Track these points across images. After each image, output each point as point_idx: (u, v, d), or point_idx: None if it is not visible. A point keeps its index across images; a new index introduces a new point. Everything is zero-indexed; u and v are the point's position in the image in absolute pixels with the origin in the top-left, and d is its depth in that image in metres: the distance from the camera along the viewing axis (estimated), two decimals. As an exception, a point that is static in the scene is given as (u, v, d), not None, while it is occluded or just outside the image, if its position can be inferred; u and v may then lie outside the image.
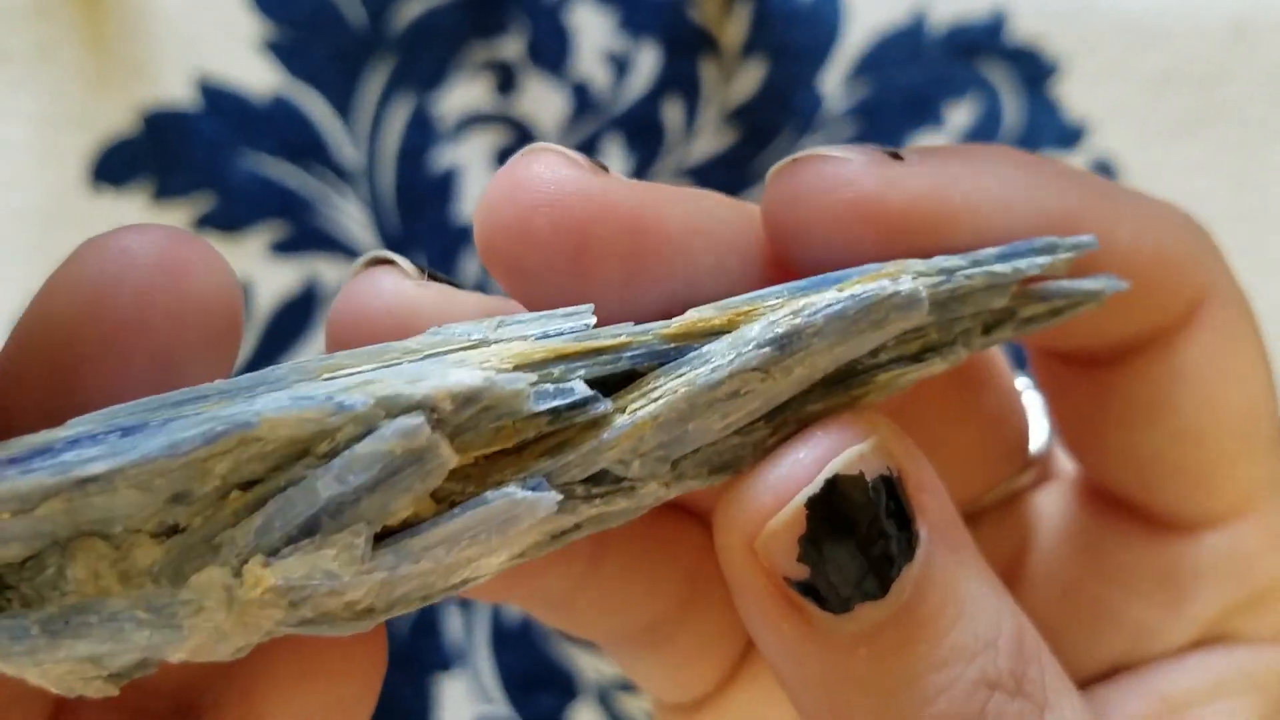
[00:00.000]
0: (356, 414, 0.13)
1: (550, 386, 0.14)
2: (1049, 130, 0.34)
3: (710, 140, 0.34)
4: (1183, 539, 0.18)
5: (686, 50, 0.33)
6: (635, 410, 0.15)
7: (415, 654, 0.33)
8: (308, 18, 0.33)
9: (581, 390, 0.14)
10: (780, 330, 0.15)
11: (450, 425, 0.13)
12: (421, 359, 0.14)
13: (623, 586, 0.19)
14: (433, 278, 0.16)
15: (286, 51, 0.33)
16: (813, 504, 0.14)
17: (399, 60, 0.33)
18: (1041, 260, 0.16)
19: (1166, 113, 0.33)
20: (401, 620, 0.32)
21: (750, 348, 0.15)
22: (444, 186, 0.33)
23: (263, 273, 0.33)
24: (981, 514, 0.20)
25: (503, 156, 0.33)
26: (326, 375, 0.14)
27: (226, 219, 0.32)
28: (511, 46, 0.33)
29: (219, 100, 0.32)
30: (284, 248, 0.33)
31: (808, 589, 0.15)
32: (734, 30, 0.33)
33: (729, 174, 0.34)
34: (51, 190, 0.32)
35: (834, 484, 0.15)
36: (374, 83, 0.33)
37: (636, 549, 0.18)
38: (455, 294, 0.16)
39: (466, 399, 0.13)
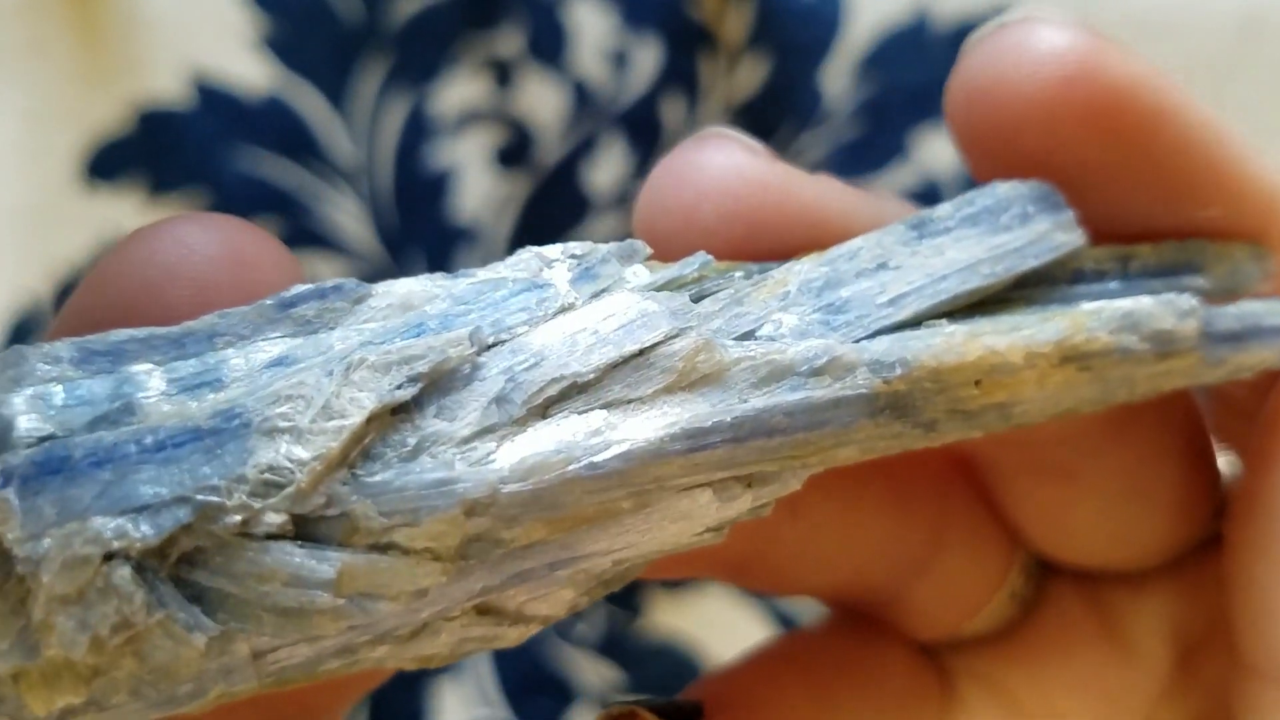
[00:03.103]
0: None
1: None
2: (1053, 128, 0.33)
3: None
4: None
5: (686, 47, 0.33)
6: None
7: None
8: (303, 12, 0.32)
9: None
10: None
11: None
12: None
13: (846, 531, 0.16)
14: None
15: (281, 47, 0.32)
16: None
17: (396, 56, 0.33)
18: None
19: (1172, 110, 0.33)
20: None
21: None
22: (442, 184, 0.33)
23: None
24: (1183, 563, 0.17)
25: (502, 155, 0.33)
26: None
27: (221, 217, 0.32)
28: (510, 43, 0.33)
29: (213, 96, 0.32)
30: (280, 246, 0.32)
31: None
32: (734, 27, 0.33)
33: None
34: (43, 188, 0.31)
35: None
36: (371, 79, 0.33)
37: (849, 488, 0.16)
38: (800, 178, 0.14)
39: None
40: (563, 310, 0.12)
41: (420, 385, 0.11)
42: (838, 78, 0.33)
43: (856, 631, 0.18)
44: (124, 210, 0.31)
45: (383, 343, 0.12)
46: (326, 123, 0.32)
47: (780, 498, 0.13)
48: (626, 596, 0.33)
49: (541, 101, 0.33)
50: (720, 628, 0.33)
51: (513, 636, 0.12)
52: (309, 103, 0.32)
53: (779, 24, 0.33)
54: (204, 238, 0.12)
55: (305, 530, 0.11)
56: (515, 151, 0.33)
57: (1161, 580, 0.17)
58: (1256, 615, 0.15)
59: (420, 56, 0.33)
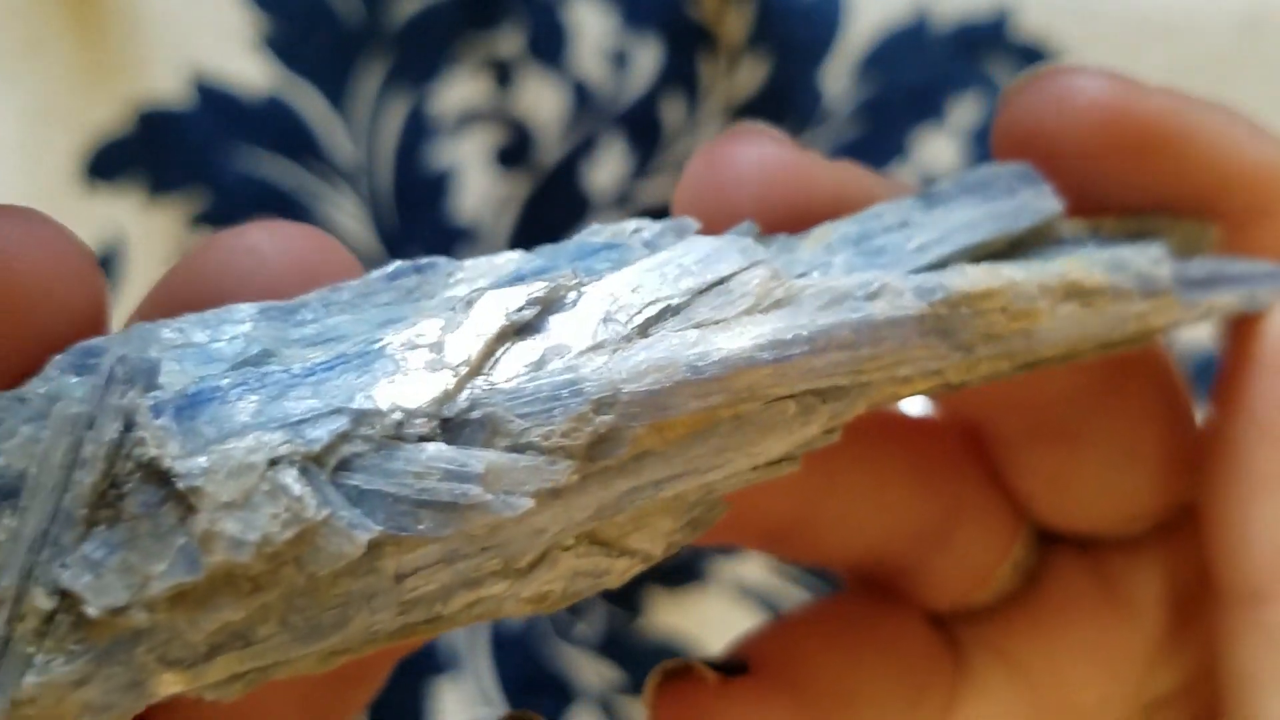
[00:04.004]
0: None
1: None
2: (1053, 128, 0.33)
3: (711, 137, 0.33)
4: None
5: (686, 47, 0.33)
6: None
7: (410, 655, 0.33)
8: (303, 12, 0.32)
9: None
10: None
11: None
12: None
13: (875, 499, 0.18)
14: None
15: (281, 47, 0.32)
16: None
17: (396, 56, 0.33)
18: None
19: (1172, 110, 0.33)
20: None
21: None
22: (442, 184, 0.33)
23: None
24: (1171, 526, 0.18)
25: (502, 155, 0.33)
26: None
27: (222, 216, 0.32)
28: (510, 43, 0.33)
29: (213, 96, 0.32)
30: (279, 246, 0.32)
31: None
32: (734, 27, 0.33)
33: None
34: (43, 188, 0.31)
35: None
36: (371, 79, 0.33)
37: (880, 456, 0.18)
38: (825, 165, 0.15)
39: None
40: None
41: (539, 308, 0.13)
42: (838, 78, 0.33)
43: (875, 602, 0.19)
44: (124, 210, 0.31)
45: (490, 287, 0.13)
46: (326, 123, 0.32)
47: (844, 428, 0.15)
48: (626, 596, 0.33)
49: (541, 101, 0.33)
50: (720, 628, 0.33)
51: (619, 569, 0.14)
52: (309, 103, 0.32)
53: (779, 24, 0.33)
54: (277, 248, 0.13)
55: (451, 436, 0.12)
56: (515, 151, 0.33)
57: (1153, 544, 0.18)
58: (1228, 541, 0.16)
59: (420, 56, 0.33)
